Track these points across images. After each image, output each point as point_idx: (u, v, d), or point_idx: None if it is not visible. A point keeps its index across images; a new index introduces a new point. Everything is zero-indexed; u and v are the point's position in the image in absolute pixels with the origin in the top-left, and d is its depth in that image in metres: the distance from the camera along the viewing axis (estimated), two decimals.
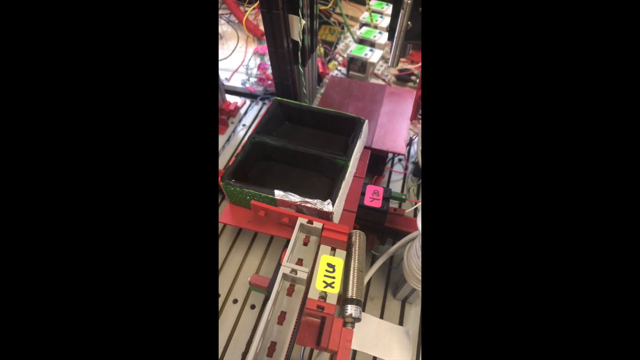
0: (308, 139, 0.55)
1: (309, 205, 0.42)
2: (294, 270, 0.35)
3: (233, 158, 0.48)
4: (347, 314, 0.34)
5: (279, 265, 0.39)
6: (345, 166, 0.46)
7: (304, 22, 0.47)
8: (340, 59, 0.86)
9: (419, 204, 0.55)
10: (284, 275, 0.35)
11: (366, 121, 0.53)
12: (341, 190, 0.44)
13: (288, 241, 0.39)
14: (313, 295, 0.34)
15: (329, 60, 0.86)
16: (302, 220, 0.39)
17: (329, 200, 0.42)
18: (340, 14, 0.94)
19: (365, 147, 0.58)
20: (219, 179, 0.45)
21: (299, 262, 0.38)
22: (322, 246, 0.37)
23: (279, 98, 0.56)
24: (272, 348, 0.33)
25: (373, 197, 0.48)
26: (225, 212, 0.48)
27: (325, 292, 0.34)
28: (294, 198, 0.42)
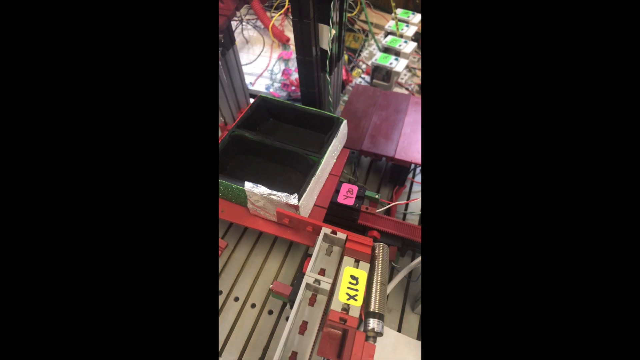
0: (288, 136, 0.56)
1: (274, 197, 0.43)
2: (317, 281, 0.35)
3: None
4: (370, 327, 0.33)
5: (301, 274, 0.39)
6: (317, 163, 0.47)
7: (334, 31, 0.47)
8: (364, 66, 0.86)
9: (391, 205, 0.55)
10: (307, 285, 0.35)
11: (344, 121, 0.54)
12: (310, 186, 0.45)
13: (307, 249, 0.40)
14: (336, 307, 0.33)
15: (352, 68, 0.87)
16: (326, 230, 0.39)
17: (295, 194, 0.43)
18: (365, 22, 0.94)
19: (388, 158, 0.57)
20: None
21: (322, 271, 0.38)
22: (345, 258, 0.37)
23: (263, 95, 0.57)
24: (292, 358, 0.33)
25: (347, 195, 0.50)
26: None
27: (348, 305, 0.34)
28: (262, 190, 0.43)
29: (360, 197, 0.50)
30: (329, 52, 0.50)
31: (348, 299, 0.34)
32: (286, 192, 0.43)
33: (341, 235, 0.39)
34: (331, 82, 0.58)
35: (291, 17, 0.95)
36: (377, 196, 0.52)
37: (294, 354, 0.33)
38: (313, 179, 0.45)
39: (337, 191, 0.50)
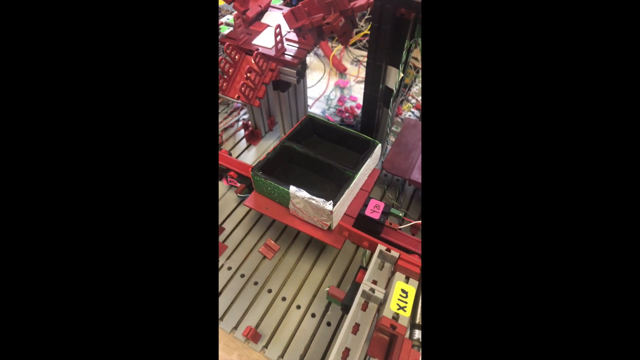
0: (328, 151, 0.63)
1: (313, 202, 0.49)
2: (372, 289, 0.40)
3: (264, 155, 0.58)
4: (415, 337, 0.38)
5: (354, 283, 0.44)
6: (352, 177, 0.54)
7: (402, 75, 0.54)
8: (413, 101, 0.93)
9: (413, 223, 0.60)
10: (363, 292, 0.41)
11: (379, 144, 0.60)
12: (343, 196, 0.51)
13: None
14: (387, 314, 0.38)
15: (402, 101, 0.93)
16: (381, 247, 0.44)
17: (331, 201, 0.49)
18: (416, 59, 1.01)
19: None
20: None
21: (373, 282, 0.43)
22: (397, 273, 0.42)
23: (311, 114, 0.65)
24: (345, 353, 0.38)
25: (373, 210, 0.55)
26: (250, 198, 0.58)
27: (398, 314, 0.39)
28: (303, 194, 0.50)
29: (385, 213, 0.56)
30: (394, 91, 0.56)
31: (398, 309, 0.39)
32: (323, 198, 0.50)
33: (394, 253, 0.44)
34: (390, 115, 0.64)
35: (349, 49, 1.04)
36: (401, 214, 0.58)
37: (347, 349, 0.38)
38: (347, 190, 0.52)
39: (365, 205, 0.57)
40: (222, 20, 0.90)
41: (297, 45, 0.64)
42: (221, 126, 0.84)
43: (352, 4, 0.54)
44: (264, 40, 0.65)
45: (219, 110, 0.88)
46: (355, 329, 0.40)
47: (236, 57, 0.62)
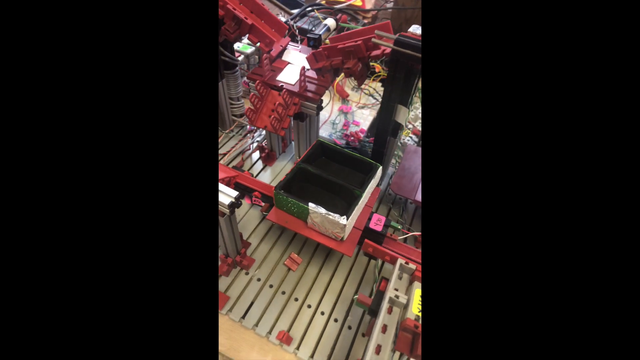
0: (337, 172, 0.74)
1: (330, 217, 0.59)
2: (397, 296, 0.49)
3: (284, 176, 0.67)
4: None
5: (379, 291, 0.53)
6: (359, 196, 0.64)
7: (410, 113, 0.64)
8: (410, 126, 1.04)
9: (410, 235, 0.69)
10: (390, 299, 0.49)
11: (380, 167, 0.70)
12: (354, 212, 0.61)
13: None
14: (410, 316, 0.47)
15: None
16: (401, 261, 0.54)
17: (344, 217, 0.59)
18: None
19: None
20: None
21: (395, 290, 0.52)
22: (415, 282, 0.51)
23: (321, 139, 0.75)
24: (378, 349, 0.46)
25: (376, 223, 0.65)
26: (272, 213, 0.67)
27: (418, 316, 0.48)
28: (321, 210, 0.60)
29: (386, 226, 0.66)
30: (403, 126, 0.66)
31: (419, 312, 0.48)
32: (337, 214, 0.59)
33: (412, 265, 0.53)
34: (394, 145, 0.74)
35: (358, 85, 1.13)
36: (399, 227, 0.68)
37: (379, 346, 0.46)
38: (357, 206, 0.62)
39: (369, 219, 0.66)
40: (236, 48, 0.98)
41: (316, 82, 0.73)
42: (237, 148, 0.92)
43: (368, 52, 0.64)
44: (286, 77, 0.74)
45: (235, 133, 0.95)
46: (384, 329, 0.48)
47: (263, 92, 0.70)
